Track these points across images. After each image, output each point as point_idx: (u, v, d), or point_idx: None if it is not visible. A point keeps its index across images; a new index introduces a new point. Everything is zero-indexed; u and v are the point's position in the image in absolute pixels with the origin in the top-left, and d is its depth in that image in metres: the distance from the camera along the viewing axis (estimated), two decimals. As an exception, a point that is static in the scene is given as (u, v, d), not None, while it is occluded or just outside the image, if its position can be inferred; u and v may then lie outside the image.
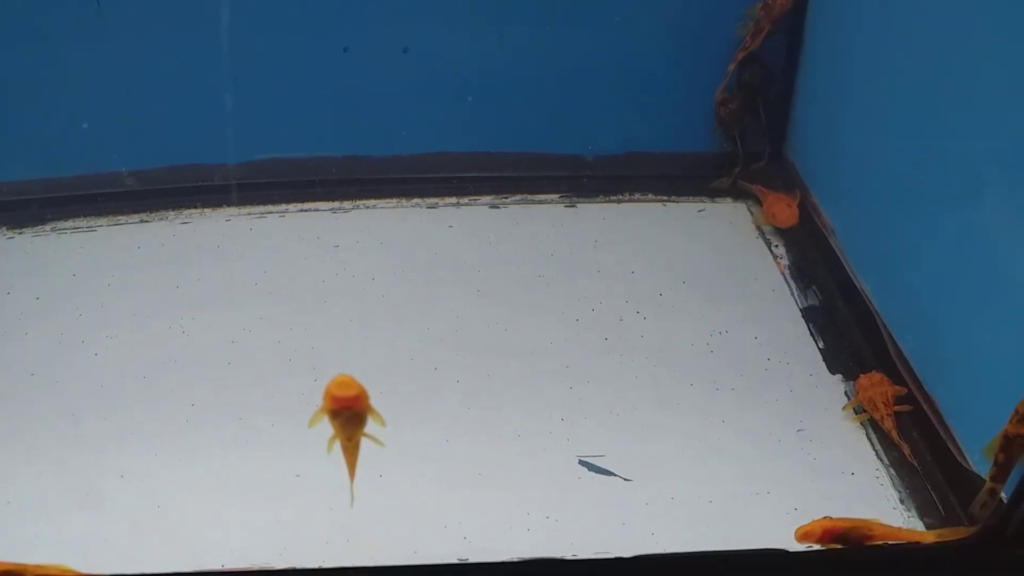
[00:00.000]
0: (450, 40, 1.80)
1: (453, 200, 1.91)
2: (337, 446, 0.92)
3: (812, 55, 1.71)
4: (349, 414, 0.89)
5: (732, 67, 1.76)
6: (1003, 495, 1.04)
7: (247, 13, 1.72)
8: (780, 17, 1.69)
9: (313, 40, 1.79)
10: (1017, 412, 0.97)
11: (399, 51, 1.82)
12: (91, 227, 1.80)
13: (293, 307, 1.55)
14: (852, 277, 1.51)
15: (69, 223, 1.81)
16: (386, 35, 1.79)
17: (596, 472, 1.25)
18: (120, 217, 1.83)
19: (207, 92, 1.81)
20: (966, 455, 1.17)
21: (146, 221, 1.82)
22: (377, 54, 1.82)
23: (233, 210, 1.86)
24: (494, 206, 1.89)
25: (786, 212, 1.67)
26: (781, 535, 1.06)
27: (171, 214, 1.85)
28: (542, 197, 1.91)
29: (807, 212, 1.69)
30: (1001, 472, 1.03)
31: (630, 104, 1.87)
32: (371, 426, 0.93)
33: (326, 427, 0.92)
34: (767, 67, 1.77)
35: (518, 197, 1.92)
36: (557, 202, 1.90)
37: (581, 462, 1.26)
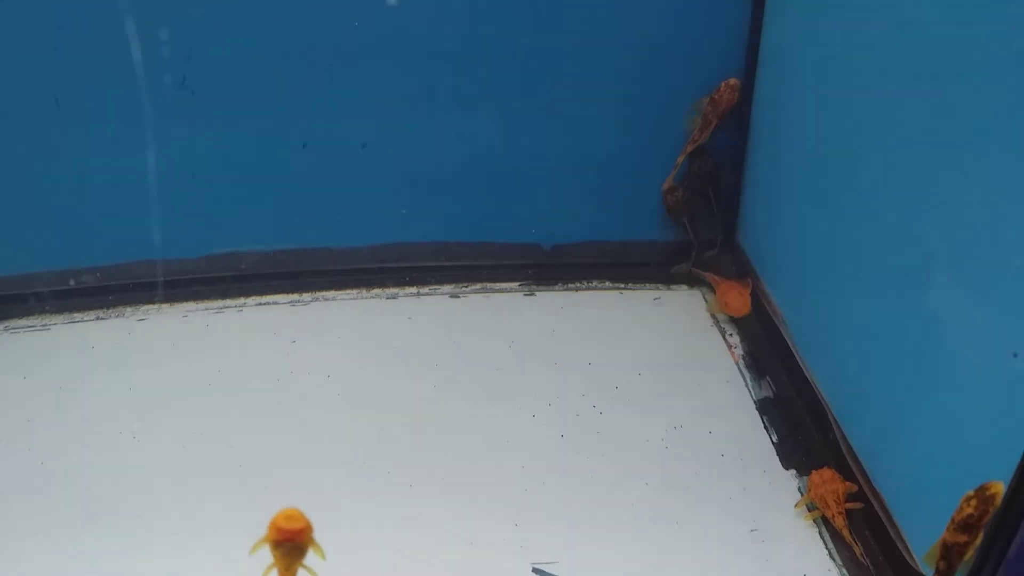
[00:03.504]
0: (407, 134, 1.84)
1: (413, 290, 1.93)
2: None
3: (758, 146, 1.77)
4: (291, 546, 0.90)
5: (681, 159, 1.81)
6: (952, 600, 1.04)
7: (206, 108, 1.76)
8: (727, 112, 1.75)
9: (273, 136, 1.82)
10: (953, 520, 0.98)
11: (358, 146, 1.85)
12: (45, 325, 1.79)
13: (246, 408, 1.53)
14: (803, 368, 1.52)
15: (23, 321, 1.79)
16: (345, 131, 1.83)
17: (549, 580, 1.23)
18: (76, 314, 1.82)
19: (165, 187, 1.82)
20: (914, 554, 1.17)
21: (102, 318, 1.81)
22: (336, 149, 1.85)
23: (191, 305, 1.86)
24: (454, 295, 1.91)
25: (738, 301, 1.69)
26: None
27: (128, 310, 1.84)
28: (502, 285, 1.93)
29: (759, 300, 1.71)
30: (946, 579, 1.02)
31: (586, 194, 1.91)
32: (311, 558, 0.92)
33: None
34: (715, 158, 1.82)
35: (478, 286, 1.93)
36: (516, 290, 1.92)
37: (535, 570, 1.24)
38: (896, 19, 1.22)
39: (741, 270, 1.83)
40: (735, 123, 1.79)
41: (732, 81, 1.73)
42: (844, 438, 1.36)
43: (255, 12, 1.69)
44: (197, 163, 1.82)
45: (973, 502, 0.96)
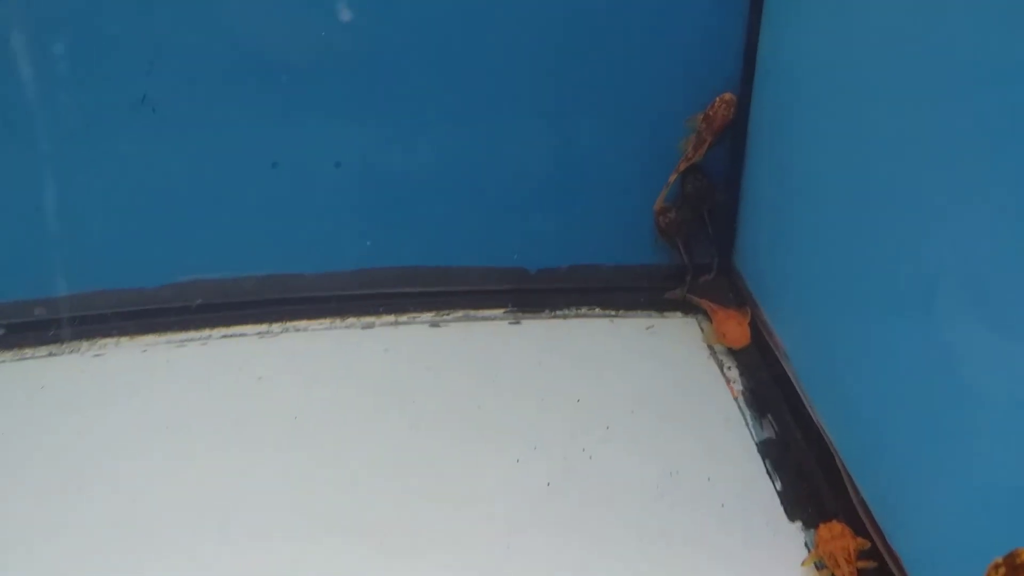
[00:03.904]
0: (384, 151, 1.73)
1: (391, 319, 1.81)
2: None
3: (755, 164, 1.66)
4: None
5: (673, 178, 1.70)
6: None
7: (168, 126, 1.64)
8: (722, 128, 1.65)
9: (240, 155, 1.70)
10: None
11: (331, 165, 1.74)
12: (-7, 363, 1.66)
13: (206, 454, 1.41)
14: (808, 407, 1.41)
15: (-32, 358, 1.67)
16: (317, 149, 1.72)
17: (533, 654, 1.11)
18: (27, 350, 1.69)
19: (124, 211, 1.71)
20: (938, 625, 1.06)
21: (55, 354, 1.69)
22: (308, 168, 1.74)
23: (151, 338, 1.74)
24: (434, 324, 1.79)
25: (737, 331, 1.58)
26: None
27: (84, 345, 1.72)
28: (485, 313, 1.82)
29: (759, 330, 1.60)
30: (977, 658, 0.91)
31: (574, 215, 1.80)
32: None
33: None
34: (710, 178, 1.71)
35: (460, 313, 1.82)
36: (501, 318, 1.81)
37: (517, 640, 1.12)
38: (903, 29, 1.12)
39: (739, 297, 1.72)
40: (731, 140, 1.69)
41: (727, 96, 1.63)
42: (855, 488, 1.25)
43: (219, 23, 1.58)
44: (158, 185, 1.71)
45: (1002, 570, 0.87)
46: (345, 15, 1.55)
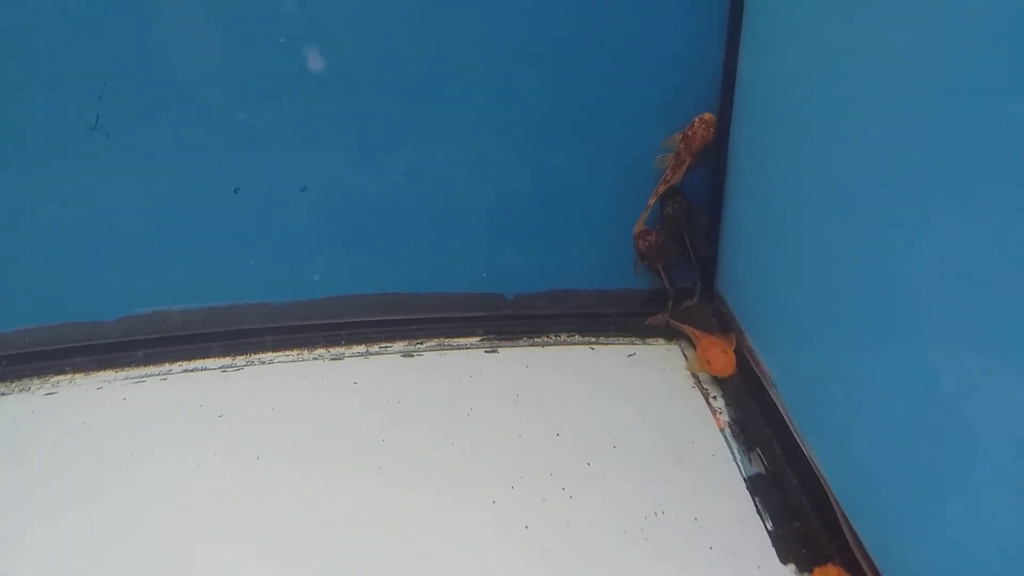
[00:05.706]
0: (352, 174, 1.66)
1: (362, 348, 1.73)
2: None
3: (737, 186, 1.60)
4: None
5: (652, 201, 1.64)
6: None
7: (123, 151, 1.56)
8: (701, 149, 1.59)
9: (200, 180, 1.62)
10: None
11: (297, 189, 1.66)
12: (-64, 404, 1.56)
13: (160, 503, 1.32)
14: (798, 440, 1.35)
15: (-90, 399, 1.57)
16: (281, 172, 1.64)
17: None
18: (-28, 389, 1.60)
19: (78, 240, 1.62)
20: None
21: (4, 394, 1.60)
22: (272, 193, 1.66)
23: (108, 374, 1.65)
24: (407, 354, 1.71)
25: (722, 359, 1.52)
26: None
27: (35, 383, 1.62)
28: (460, 341, 1.75)
29: (744, 358, 1.54)
30: None
31: (551, 239, 1.74)
32: None
33: None
34: (690, 200, 1.66)
35: (434, 342, 1.75)
36: (477, 347, 1.73)
37: None
38: (885, 48, 1.07)
39: (723, 323, 1.66)
40: (711, 161, 1.63)
41: (706, 116, 1.57)
42: (850, 527, 1.19)
43: (174, 42, 1.50)
44: (114, 213, 1.63)
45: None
46: (311, 38, 1.48)
